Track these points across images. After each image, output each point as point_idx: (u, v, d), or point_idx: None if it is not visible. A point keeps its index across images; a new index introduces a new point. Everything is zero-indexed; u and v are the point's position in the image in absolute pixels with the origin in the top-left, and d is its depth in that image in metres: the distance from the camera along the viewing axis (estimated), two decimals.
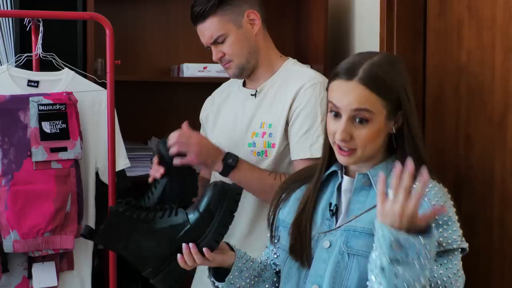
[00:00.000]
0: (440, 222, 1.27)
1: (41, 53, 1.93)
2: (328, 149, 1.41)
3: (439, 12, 1.94)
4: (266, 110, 1.86)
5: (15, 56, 2.04)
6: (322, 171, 1.42)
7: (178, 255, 1.41)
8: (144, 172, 2.31)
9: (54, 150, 1.84)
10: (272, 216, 1.48)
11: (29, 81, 1.92)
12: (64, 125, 1.87)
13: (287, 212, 1.45)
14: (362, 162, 1.36)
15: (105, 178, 1.94)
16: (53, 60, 1.93)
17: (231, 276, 1.42)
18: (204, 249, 1.40)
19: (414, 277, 1.12)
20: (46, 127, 1.85)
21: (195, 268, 1.60)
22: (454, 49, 1.87)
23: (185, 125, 1.76)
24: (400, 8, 1.99)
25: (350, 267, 1.30)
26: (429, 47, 1.98)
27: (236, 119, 1.91)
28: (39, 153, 1.83)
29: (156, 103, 2.66)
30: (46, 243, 1.82)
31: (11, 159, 1.82)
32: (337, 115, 1.34)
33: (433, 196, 1.29)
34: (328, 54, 2.35)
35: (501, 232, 1.71)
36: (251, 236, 1.84)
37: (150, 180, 1.73)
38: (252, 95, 1.90)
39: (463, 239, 1.30)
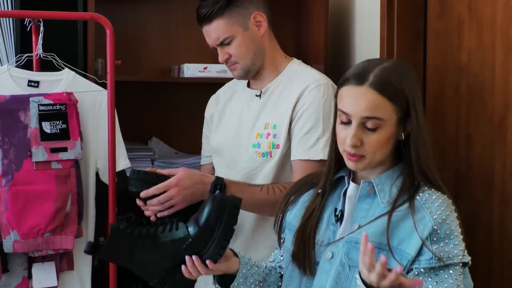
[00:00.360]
0: (442, 236, 1.26)
1: (42, 53, 1.93)
2: (335, 155, 1.40)
3: (439, 12, 1.94)
4: (270, 111, 1.86)
5: (15, 56, 2.04)
6: (329, 178, 1.41)
7: (183, 266, 1.41)
8: None
9: (54, 150, 1.84)
10: (280, 218, 1.48)
11: (30, 81, 1.92)
12: (64, 126, 1.87)
13: (294, 215, 1.45)
14: (371, 168, 1.35)
15: (105, 178, 1.94)
16: (53, 60, 1.93)
17: (236, 283, 1.43)
18: (208, 262, 1.40)
19: None
20: (46, 127, 1.85)
21: None
22: (454, 49, 1.87)
23: (156, 171, 1.72)
24: (401, 8, 1.99)
25: (351, 279, 1.30)
26: (429, 47, 1.98)
27: (240, 120, 1.91)
28: (39, 153, 1.83)
29: (157, 103, 2.66)
30: (46, 243, 1.82)
31: (11, 159, 1.82)
32: (348, 122, 1.32)
33: (436, 210, 1.28)
34: (328, 54, 2.35)
35: (501, 232, 1.71)
36: (256, 237, 1.84)
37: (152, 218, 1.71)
38: (257, 95, 1.90)
39: (465, 252, 1.28)
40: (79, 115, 1.90)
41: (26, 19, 1.98)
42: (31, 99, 1.86)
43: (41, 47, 1.92)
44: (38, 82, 1.93)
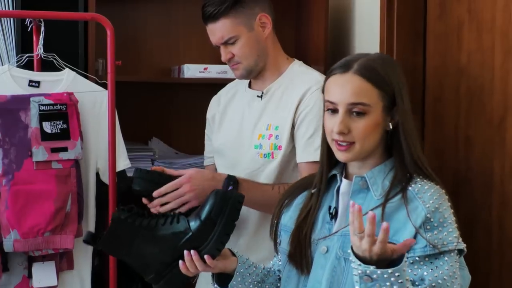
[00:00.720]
0: (435, 224, 1.27)
1: (42, 53, 1.93)
2: (326, 155, 1.41)
3: (439, 13, 1.94)
4: (272, 112, 1.87)
5: (16, 56, 2.04)
6: (323, 176, 1.41)
7: (180, 261, 1.41)
8: None
9: (54, 150, 1.85)
10: (275, 223, 1.48)
11: (30, 81, 1.93)
12: (64, 125, 1.87)
13: (289, 217, 1.45)
14: (361, 159, 1.36)
15: (105, 178, 1.94)
16: (54, 61, 1.94)
17: (234, 282, 1.43)
18: (206, 257, 1.40)
19: None
20: (47, 127, 1.86)
21: (197, 274, 1.60)
22: (454, 50, 1.87)
23: (163, 170, 1.73)
24: (400, 10, 1.99)
25: (347, 272, 1.30)
26: (429, 48, 1.98)
27: (242, 120, 1.92)
28: (39, 153, 1.84)
29: (157, 104, 2.67)
30: (46, 242, 1.82)
31: (12, 159, 1.82)
32: (334, 111, 1.34)
33: (428, 199, 1.29)
34: (328, 55, 2.35)
35: (500, 233, 1.71)
36: (259, 236, 1.84)
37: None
38: (258, 96, 1.90)
39: (460, 239, 1.29)
40: (79, 115, 1.90)
41: (27, 19, 1.99)
42: (31, 99, 1.87)
43: (42, 47, 1.93)
44: (38, 82, 1.93)
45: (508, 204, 1.68)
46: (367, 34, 2.20)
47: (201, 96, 2.16)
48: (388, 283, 1.13)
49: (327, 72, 1.40)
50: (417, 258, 1.26)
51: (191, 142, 2.59)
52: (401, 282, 1.13)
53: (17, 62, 1.98)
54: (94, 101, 1.95)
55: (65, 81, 1.95)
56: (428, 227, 1.27)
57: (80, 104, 1.91)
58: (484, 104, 1.76)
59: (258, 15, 1.84)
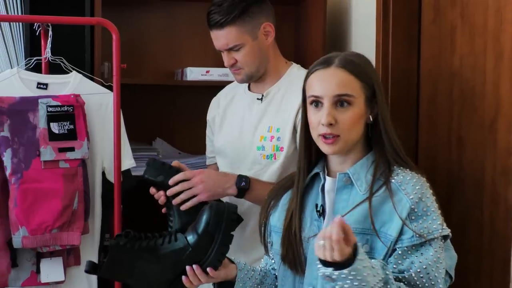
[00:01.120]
0: (420, 214, 1.31)
1: (50, 56, 1.95)
2: (304, 153, 1.43)
3: (433, 18, 1.96)
4: (273, 115, 1.88)
5: (25, 60, 2.06)
6: (303, 176, 1.43)
7: (183, 277, 1.43)
8: None
9: (62, 150, 1.86)
10: (263, 225, 1.50)
11: (39, 83, 1.94)
12: (71, 126, 1.89)
13: (277, 218, 1.47)
14: (344, 154, 1.38)
15: (111, 177, 1.96)
16: (61, 64, 1.95)
17: None
18: (208, 269, 1.42)
19: None
20: (54, 127, 1.87)
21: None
22: (447, 54, 1.89)
23: (180, 165, 1.75)
24: (396, 14, 2.01)
25: None
26: (423, 52, 2.00)
27: (242, 122, 1.93)
28: (47, 152, 1.85)
29: (160, 105, 2.68)
30: (54, 239, 1.83)
31: (21, 158, 1.84)
32: (318, 104, 1.36)
33: (411, 190, 1.32)
34: None
35: (491, 232, 1.73)
36: (256, 237, 1.83)
37: (163, 210, 1.74)
38: (258, 99, 1.92)
39: (444, 225, 1.33)
40: (86, 116, 1.92)
41: (36, 23, 2.00)
42: (40, 100, 1.88)
43: (49, 50, 1.94)
44: (46, 85, 1.95)
45: (499, 202, 1.70)
46: (363, 38, 2.21)
47: (203, 98, 2.17)
48: (348, 281, 1.17)
49: (307, 72, 1.42)
50: (405, 248, 1.30)
51: (193, 142, 2.60)
52: (360, 278, 1.17)
53: (25, 65, 2.00)
54: (100, 102, 1.96)
55: (72, 83, 1.97)
56: (413, 217, 1.30)
57: (86, 105, 1.93)
58: (476, 107, 1.78)
59: (262, 24, 1.85)
